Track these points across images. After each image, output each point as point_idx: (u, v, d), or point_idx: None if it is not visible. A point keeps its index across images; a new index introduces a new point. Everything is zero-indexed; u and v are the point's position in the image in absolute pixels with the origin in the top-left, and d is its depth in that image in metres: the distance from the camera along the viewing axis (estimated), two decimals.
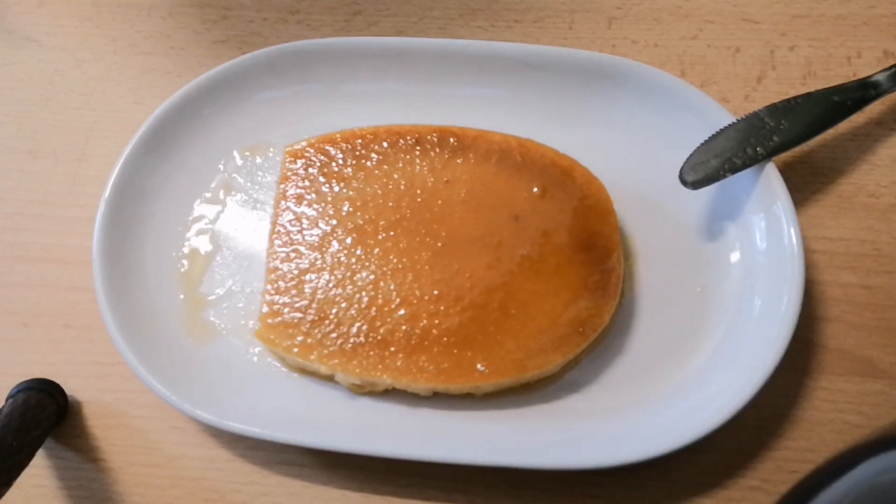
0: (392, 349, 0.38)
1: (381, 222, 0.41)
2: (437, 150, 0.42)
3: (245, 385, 0.40)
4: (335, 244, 0.40)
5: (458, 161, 0.42)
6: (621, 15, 0.49)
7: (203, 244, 0.44)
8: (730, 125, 0.41)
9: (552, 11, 0.49)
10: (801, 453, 0.38)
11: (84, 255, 0.43)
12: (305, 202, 0.42)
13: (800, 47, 0.47)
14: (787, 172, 0.42)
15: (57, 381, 0.41)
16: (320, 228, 0.41)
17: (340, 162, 0.42)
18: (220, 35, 0.50)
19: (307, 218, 0.41)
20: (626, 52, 0.48)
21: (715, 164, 0.40)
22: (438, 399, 0.39)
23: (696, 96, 0.42)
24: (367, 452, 0.36)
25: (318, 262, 0.40)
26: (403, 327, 0.38)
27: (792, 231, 0.38)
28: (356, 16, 0.50)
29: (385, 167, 0.42)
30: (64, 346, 0.43)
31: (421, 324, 0.38)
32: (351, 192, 0.42)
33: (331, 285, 0.39)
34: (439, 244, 0.40)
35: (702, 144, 0.41)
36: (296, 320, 0.39)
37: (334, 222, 0.41)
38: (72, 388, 0.42)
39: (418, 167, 0.42)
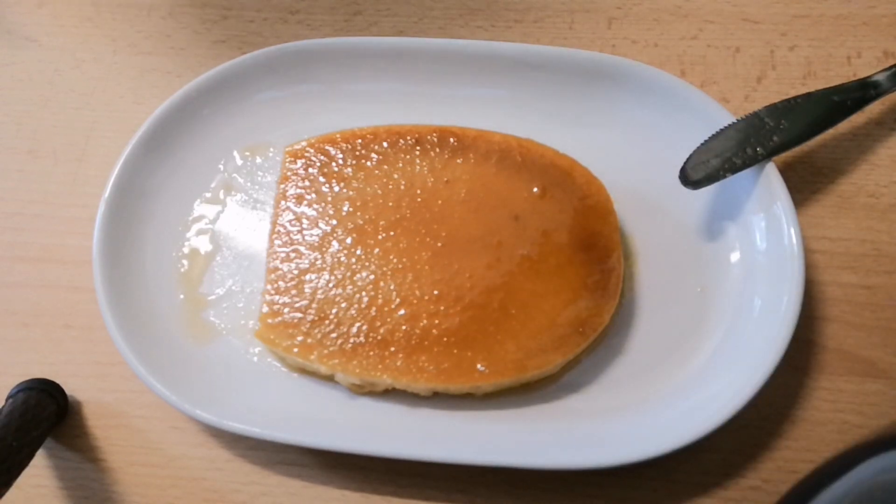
0: (392, 349, 0.38)
1: (381, 222, 0.41)
2: (437, 150, 0.42)
3: (245, 385, 0.40)
4: (335, 244, 0.40)
5: (458, 161, 0.42)
6: (621, 15, 0.49)
7: (203, 244, 0.44)
8: (730, 125, 0.41)
9: (552, 11, 0.49)
10: (801, 453, 0.38)
11: (84, 255, 0.43)
12: (305, 202, 0.42)
13: (800, 47, 0.47)
14: (787, 172, 0.42)
15: (57, 381, 0.41)
16: (320, 228, 0.41)
17: (340, 162, 0.42)
18: (220, 35, 0.50)
19: (307, 218, 0.41)
20: (626, 52, 0.48)
21: (715, 164, 0.40)
22: (438, 399, 0.39)
23: (696, 96, 0.42)
24: (367, 452, 0.36)
25: (318, 262, 0.40)
26: (403, 327, 0.38)
27: (792, 231, 0.38)
28: (356, 16, 0.50)
29: (385, 167, 0.42)
30: (64, 346, 0.43)
31: (421, 324, 0.38)
32: (351, 192, 0.42)
33: (331, 285, 0.39)
34: (439, 244, 0.40)
35: (702, 144, 0.41)
36: (296, 320, 0.39)
37: (334, 222, 0.41)
38: (72, 388, 0.42)
39: (418, 167, 0.42)
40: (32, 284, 0.44)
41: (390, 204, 0.41)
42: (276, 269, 0.40)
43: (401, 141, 0.42)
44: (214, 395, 0.39)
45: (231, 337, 0.41)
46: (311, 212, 0.41)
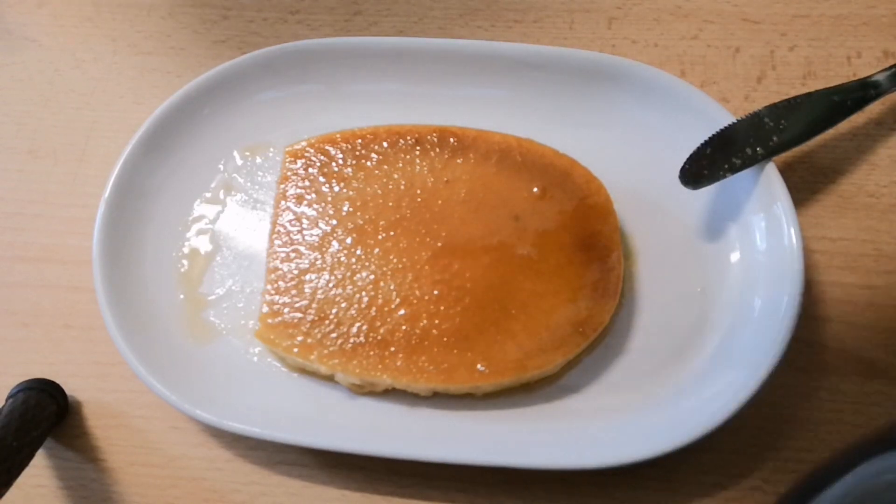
0: (392, 349, 0.38)
1: (381, 222, 0.41)
2: (437, 150, 0.42)
3: (245, 385, 0.40)
4: (335, 244, 0.40)
5: (458, 161, 0.42)
6: (621, 15, 0.49)
7: (203, 244, 0.44)
8: (730, 125, 0.41)
9: (552, 11, 0.49)
10: (801, 453, 0.38)
11: (84, 255, 0.43)
12: (305, 202, 0.42)
13: (800, 47, 0.47)
14: (787, 172, 0.42)
15: (57, 381, 0.41)
16: (320, 228, 0.41)
17: (340, 162, 0.42)
18: (220, 35, 0.50)
19: (307, 218, 0.41)
20: (626, 52, 0.48)
21: (715, 164, 0.40)
22: (438, 399, 0.39)
23: (696, 96, 0.42)
24: (367, 452, 0.36)
25: (318, 262, 0.40)
26: (403, 327, 0.38)
27: (792, 231, 0.38)
28: (356, 16, 0.50)
29: (385, 167, 0.42)
30: (64, 346, 0.43)
31: (421, 324, 0.38)
32: (351, 192, 0.42)
33: (331, 285, 0.39)
34: (439, 244, 0.40)
35: (702, 144, 0.41)
36: (296, 320, 0.39)
37: (334, 222, 0.41)
38: (72, 388, 0.42)
39: (418, 167, 0.42)
40: (32, 284, 0.44)
41: (390, 204, 0.41)
42: (276, 269, 0.40)
43: (401, 141, 0.42)
44: (214, 395, 0.39)
45: (231, 337, 0.41)
46: (311, 212, 0.41)
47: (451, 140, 0.42)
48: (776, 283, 0.38)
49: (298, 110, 0.46)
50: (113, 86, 0.49)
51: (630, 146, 0.44)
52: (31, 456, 0.37)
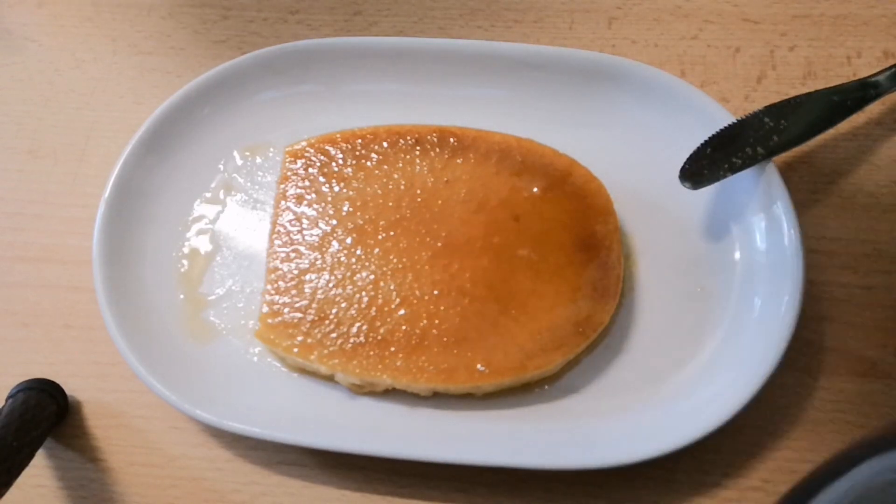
0: (392, 349, 0.38)
1: (381, 222, 0.41)
2: (437, 150, 0.42)
3: (245, 385, 0.40)
4: (335, 244, 0.40)
5: (458, 161, 0.42)
6: (621, 15, 0.49)
7: (203, 244, 0.44)
8: (730, 125, 0.41)
9: (552, 11, 0.49)
10: (801, 453, 0.38)
11: (84, 255, 0.43)
12: (305, 202, 0.42)
13: (800, 47, 0.47)
14: (787, 172, 0.42)
15: (57, 381, 0.41)
16: (320, 228, 0.41)
17: (340, 162, 0.42)
18: (220, 35, 0.50)
19: (307, 218, 0.41)
20: (626, 52, 0.48)
21: (715, 164, 0.40)
22: (438, 399, 0.39)
23: (696, 96, 0.42)
24: (367, 452, 0.36)
25: (318, 262, 0.40)
26: (403, 327, 0.38)
27: (792, 231, 0.38)
28: (356, 16, 0.50)
29: (385, 167, 0.42)
30: (64, 346, 0.43)
31: (421, 324, 0.38)
32: (351, 192, 0.42)
33: (331, 285, 0.39)
34: (439, 244, 0.40)
35: (702, 144, 0.41)
36: (296, 320, 0.39)
37: (334, 222, 0.41)
38: (72, 388, 0.42)
39: (418, 167, 0.42)
40: (32, 284, 0.44)
41: (390, 204, 0.41)
42: (276, 269, 0.40)
43: (401, 141, 0.42)
44: (214, 395, 0.39)
45: (231, 337, 0.41)
46: (311, 212, 0.41)
47: (451, 140, 0.42)
48: (776, 283, 0.38)
49: (298, 110, 0.46)
50: (113, 86, 0.49)
51: (630, 146, 0.44)
52: (31, 456, 0.37)
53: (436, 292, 0.39)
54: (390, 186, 0.42)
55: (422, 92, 0.46)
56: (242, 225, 0.44)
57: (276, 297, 0.40)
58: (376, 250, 0.40)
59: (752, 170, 0.40)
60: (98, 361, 0.42)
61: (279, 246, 0.41)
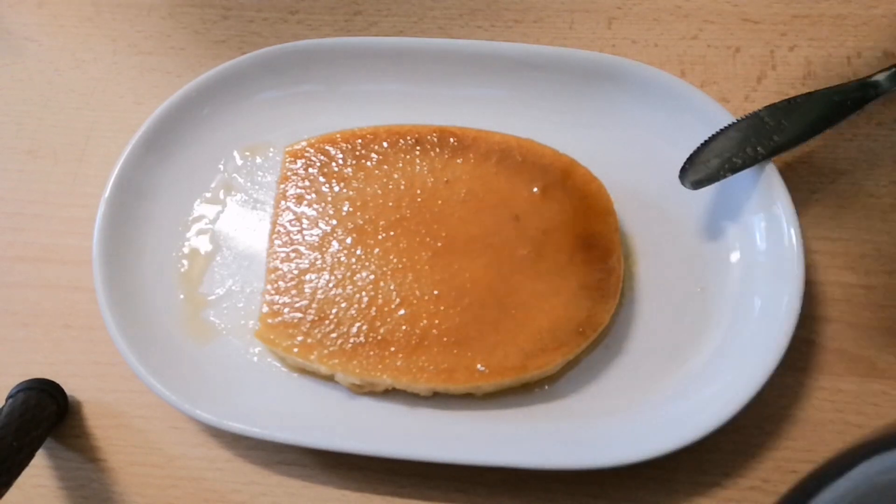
0: (392, 349, 0.38)
1: (381, 222, 0.41)
2: (437, 150, 0.42)
3: (245, 385, 0.40)
4: (335, 244, 0.40)
5: (458, 161, 0.42)
6: (621, 15, 0.49)
7: (203, 244, 0.44)
8: (730, 125, 0.41)
9: (552, 11, 0.49)
10: (801, 453, 0.38)
11: (84, 255, 0.43)
12: (305, 202, 0.42)
13: (800, 47, 0.47)
14: (787, 172, 0.42)
15: (57, 381, 0.41)
16: (320, 228, 0.41)
17: (340, 162, 0.42)
18: (220, 35, 0.50)
19: (307, 218, 0.41)
20: (626, 52, 0.48)
21: (715, 164, 0.40)
22: (438, 399, 0.39)
23: (696, 96, 0.42)
24: (367, 452, 0.36)
25: (318, 262, 0.40)
26: (403, 327, 0.38)
27: (792, 231, 0.38)
28: (356, 16, 0.50)
29: (385, 167, 0.42)
30: (64, 346, 0.43)
31: (421, 324, 0.38)
32: (351, 192, 0.42)
33: (331, 285, 0.39)
34: (439, 244, 0.40)
35: (702, 144, 0.41)
36: (296, 320, 0.39)
37: (334, 222, 0.41)
38: (72, 388, 0.42)
39: (418, 167, 0.42)
40: (32, 284, 0.44)
41: (390, 204, 0.41)
42: (276, 269, 0.40)
43: (401, 141, 0.42)
44: (214, 395, 0.39)
45: (231, 337, 0.41)
46: (311, 212, 0.41)
47: (451, 140, 0.42)
48: (776, 283, 0.38)
49: (298, 110, 0.46)
50: (113, 86, 0.49)
51: (630, 146, 0.44)
52: (31, 456, 0.37)
53: (436, 292, 0.39)
54: (390, 186, 0.42)
55: (422, 92, 0.46)
56: (242, 225, 0.44)
57: (276, 297, 0.40)
58: (376, 250, 0.40)
59: (752, 170, 0.40)
60: (98, 361, 0.42)
61: (279, 246, 0.41)
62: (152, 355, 0.39)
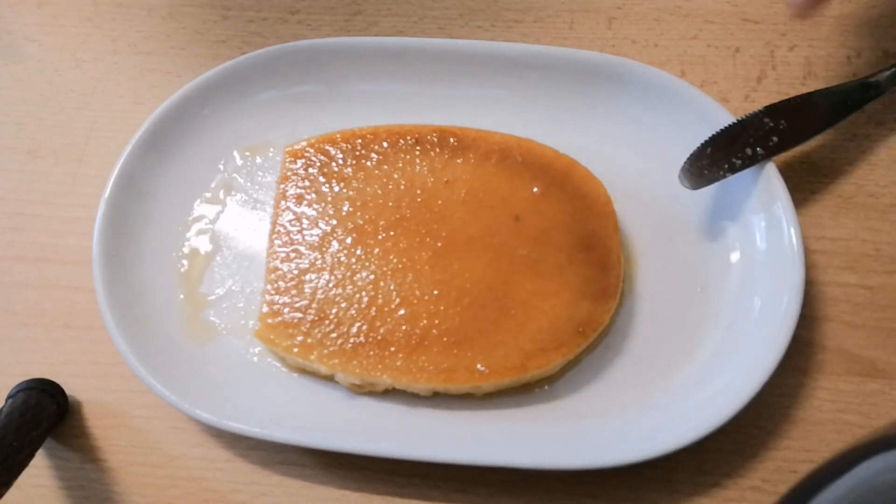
0: (392, 349, 0.38)
1: (381, 222, 0.41)
2: (437, 150, 0.42)
3: (245, 385, 0.40)
4: (335, 244, 0.40)
5: (458, 161, 0.42)
6: (621, 15, 0.49)
7: (203, 244, 0.44)
8: (730, 125, 0.41)
9: (552, 11, 0.49)
10: (801, 453, 0.38)
11: (84, 255, 0.43)
12: (305, 202, 0.42)
13: (800, 47, 0.47)
14: (787, 172, 0.42)
15: (57, 381, 0.41)
16: (320, 228, 0.41)
17: (340, 162, 0.42)
18: (220, 35, 0.50)
19: (307, 218, 0.41)
20: (626, 52, 0.48)
21: (715, 164, 0.40)
22: (438, 399, 0.39)
23: (696, 96, 0.42)
24: (367, 452, 0.36)
25: (318, 262, 0.40)
26: (403, 327, 0.38)
27: (792, 231, 0.38)
28: (356, 16, 0.50)
29: (385, 167, 0.42)
30: (64, 346, 0.43)
31: (421, 324, 0.38)
32: (351, 192, 0.42)
33: (331, 285, 0.39)
34: (439, 244, 0.40)
35: (702, 144, 0.41)
36: (296, 320, 0.39)
37: (334, 222, 0.41)
38: (72, 388, 0.42)
39: (418, 167, 0.42)
40: (32, 284, 0.44)
41: (390, 204, 0.41)
42: (276, 269, 0.40)
43: (401, 141, 0.42)
44: (214, 395, 0.39)
45: (231, 337, 0.41)
46: (311, 212, 0.41)
47: (451, 140, 0.42)
48: (776, 283, 0.38)
49: (298, 110, 0.46)
50: (113, 86, 0.49)
51: (630, 146, 0.44)
52: (31, 456, 0.37)
53: (436, 292, 0.39)
54: (390, 186, 0.42)
55: (422, 92, 0.46)
56: (242, 225, 0.44)
57: (276, 297, 0.40)
58: (376, 250, 0.40)
59: (752, 170, 0.40)
60: (98, 361, 0.42)
61: (279, 246, 0.41)
62: (152, 355, 0.39)
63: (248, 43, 0.50)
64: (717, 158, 0.40)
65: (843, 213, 0.43)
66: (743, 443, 0.38)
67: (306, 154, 0.43)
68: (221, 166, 0.45)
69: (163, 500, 0.39)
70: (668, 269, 0.41)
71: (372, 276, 0.39)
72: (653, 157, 0.43)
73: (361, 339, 0.38)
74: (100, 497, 0.40)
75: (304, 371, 0.40)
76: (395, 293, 0.39)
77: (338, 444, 0.36)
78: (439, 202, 0.41)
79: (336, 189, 0.42)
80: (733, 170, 0.40)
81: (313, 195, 0.42)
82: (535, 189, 0.41)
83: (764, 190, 0.40)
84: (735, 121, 0.41)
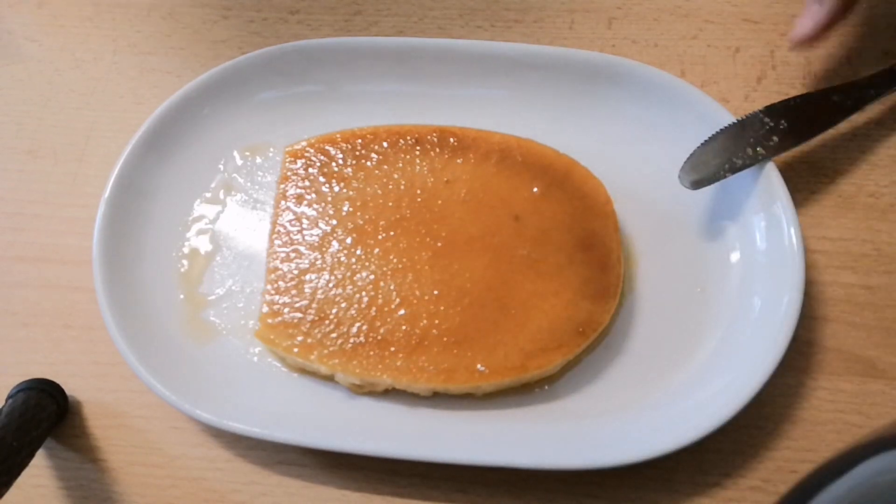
0: (392, 349, 0.38)
1: (381, 222, 0.41)
2: (437, 150, 0.42)
3: (245, 385, 0.40)
4: (335, 244, 0.40)
5: (458, 161, 0.42)
6: (621, 15, 0.49)
7: (203, 244, 0.44)
8: (730, 125, 0.41)
9: (552, 11, 0.49)
10: (801, 453, 0.38)
11: (84, 255, 0.43)
12: (305, 202, 0.42)
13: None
14: (787, 172, 0.42)
15: (57, 381, 0.41)
16: (320, 228, 0.41)
17: (340, 162, 0.43)
18: (220, 35, 0.50)
19: (307, 218, 0.41)
20: (626, 52, 0.48)
21: (715, 164, 0.40)
22: (438, 399, 0.39)
23: (696, 96, 0.42)
24: (367, 452, 0.36)
25: (318, 262, 0.40)
26: (403, 327, 0.38)
27: (792, 231, 0.38)
28: (356, 16, 0.50)
29: (385, 167, 0.42)
30: (64, 346, 0.43)
31: (421, 324, 0.38)
32: (351, 192, 0.42)
33: (331, 285, 0.39)
34: (439, 244, 0.40)
35: (702, 144, 0.41)
36: (296, 320, 0.39)
37: (334, 222, 0.41)
38: (72, 388, 0.42)
39: (418, 167, 0.42)
40: (32, 284, 0.44)
41: (390, 204, 0.41)
42: (276, 269, 0.40)
43: (401, 141, 0.42)
44: (214, 395, 0.39)
45: (231, 337, 0.41)
46: (311, 212, 0.41)
47: (451, 140, 0.42)
48: (776, 283, 0.38)
49: (298, 110, 0.46)
50: (113, 86, 0.49)
51: (630, 146, 0.44)
52: (31, 456, 0.37)
53: (436, 292, 0.39)
54: (390, 186, 0.42)
55: (422, 92, 0.46)
56: (242, 225, 0.44)
57: (276, 297, 0.40)
58: (376, 250, 0.40)
59: (752, 170, 0.40)
60: (98, 361, 0.42)
61: (279, 246, 0.41)
62: (152, 355, 0.39)
63: (248, 43, 0.50)
64: (717, 158, 0.40)
65: (843, 213, 0.43)
66: (743, 443, 0.38)
67: (306, 154, 0.43)
68: (221, 166, 0.45)
69: (163, 500, 0.39)
70: (668, 269, 0.41)
71: (372, 276, 0.39)
72: (653, 157, 0.43)
73: (361, 339, 0.38)
74: (100, 497, 0.40)
75: (304, 371, 0.40)
76: (395, 293, 0.39)
77: (338, 444, 0.36)
78: (439, 202, 0.41)
79: (336, 189, 0.42)
80: (733, 170, 0.40)
81: (313, 195, 0.42)
82: (535, 189, 0.41)
83: (764, 190, 0.40)
84: (735, 121, 0.41)
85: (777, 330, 0.36)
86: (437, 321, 0.38)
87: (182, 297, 0.42)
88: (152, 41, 0.51)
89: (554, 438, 0.37)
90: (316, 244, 0.41)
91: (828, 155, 0.44)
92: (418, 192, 0.41)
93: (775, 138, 0.40)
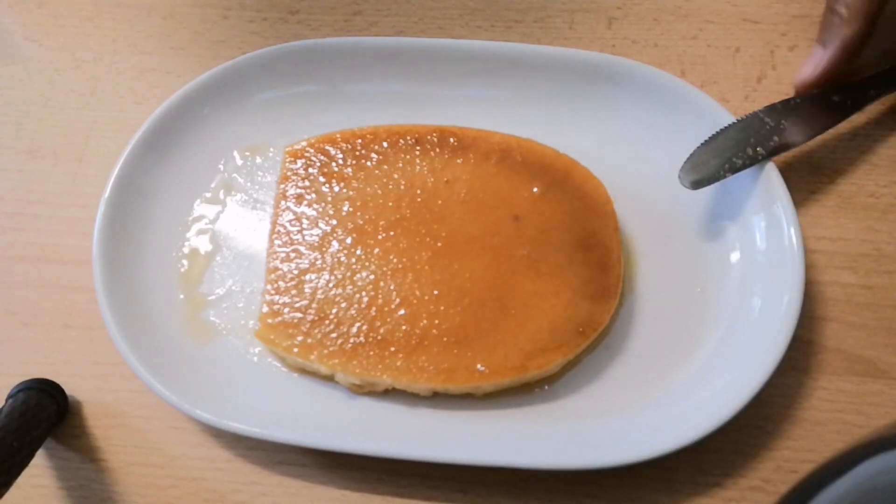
0: (392, 349, 0.38)
1: (381, 222, 0.41)
2: (437, 150, 0.42)
3: (245, 385, 0.40)
4: (335, 244, 0.40)
5: (458, 161, 0.42)
6: (621, 15, 0.49)
7: (203, 244, 0.44)
8: (730, 125, 0.41)
9: (552, 11, 0.49)
10: (801, 453, 0.38)
11: (84, 255, 0.43)
12: (305, 202, 0.42)
13: (800, 47, 0.47)
14: (787, 172, 0.42)
15: (57, 381, 0.41)
16: (320, 228, 0.41)
17: (340, 162, 0.43)
18: (220, 35, 0.50)
19: (307, 218, 0.41)
20: (626, 52, 0.48)
21: (715, 164, 0.40)
22: (438, 399, 0.39)
23: (696, 96, 0.42)
24: (367, 452, 0.36)
25: (318, 262, 0.40)
26: (403, 327, 0.38)
27: (792, 231, 0.38)
28: (356, 16, 0.50)
29: (385, 167, 0.42)
30: (64, 346, 0.43)
31: (421, 324, 0.38)
32: (351, 192, 0.42)
33: (331, 285, 0.39)
34: (439, 244, 0.40)
35: (702, 144, 0.41)
36: (296, 320, 0.39)
37: (334, 222, 0.41)
38: (72, 388, 0.42)
39: (418, 167, 0.42)
40: (32, 284, 0.44)
41: (390, 204, 0.41)
42: (276, 269, 0.40)
43: (401, 141, 0.42)
44: (214, 395, 0.39)
45: (231, 337, 0.41)
46: (311, 212, 0.41)
47: (451, 140, 0.42)
48: (776, 283, 0.38)
49: (298, 110, 0.46)
50: (113, 86, 0.49)
51: (630, 146, 0.44)
52: (31, 456, 0.37)
53: (436, 292, 0.39)
54: (390, 186, 0.42)
55: (422, 92, 0.46)
56: (242, 225, 0.44)
57: (276, 297, 0.40)
58: (376, 250, 0.40)
59: (752, 170, 0.40)
60: (98, 361, 0.42)
61: (279, 246, 0.41)
62: (152, 355, 0.39)
63: (248, 43, 0.50)
64: (717, 158, 0.40)
65: (843, 213, 0.43)
66: (743, 443, 0.38)
67: (306, 154, 0.43)
68: (221, 166, 0.45)
69: (163, 500, 0.39)
70: (668, 269, 0.41)
71: (372, 276, 0.39)
72: (653, 157, 0.43)
73: (361, 339, 0.38)
74: (100, 497, 0.40)
75: (304, 371, 0.40)
76: (395, 293, 0.39)
77: (338, 444, 0.36)
78: (439, 202, 0.41)
79: (336, 189, 0.42)
80: (733, 170, 0.40)
81: (313, 195, 0.42)
82: (535, 189, 0.41)
83: (764, 190, 0.40)
84: (735, 121, 0.41)
85: (777, 330, 0.36)
86: (437, 321, 0.38)
87: (182, 297, 0.42)
88: (152, 41, 0.51)
89: (554, 438, 0.37)
90: (316, 244, 0.41)
91: (828, 155, 0.44)
92: (418, 192, 0.41)
93: (775, 138, 0.40)
